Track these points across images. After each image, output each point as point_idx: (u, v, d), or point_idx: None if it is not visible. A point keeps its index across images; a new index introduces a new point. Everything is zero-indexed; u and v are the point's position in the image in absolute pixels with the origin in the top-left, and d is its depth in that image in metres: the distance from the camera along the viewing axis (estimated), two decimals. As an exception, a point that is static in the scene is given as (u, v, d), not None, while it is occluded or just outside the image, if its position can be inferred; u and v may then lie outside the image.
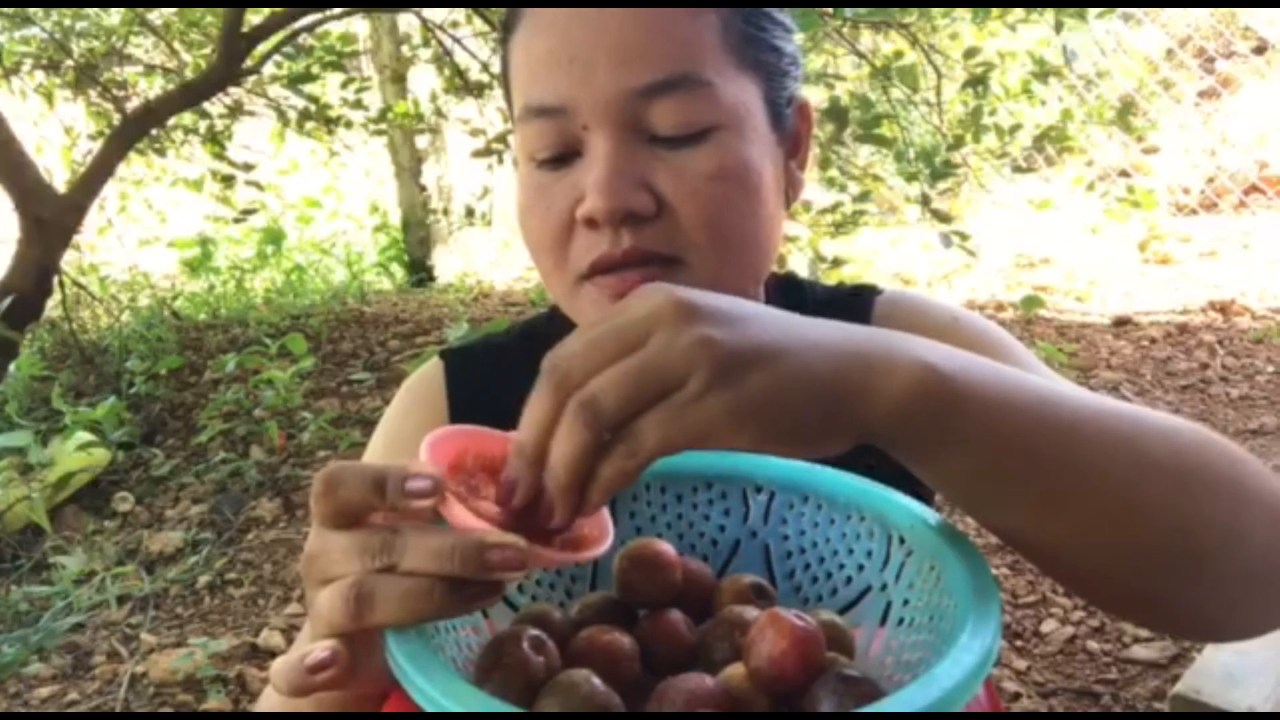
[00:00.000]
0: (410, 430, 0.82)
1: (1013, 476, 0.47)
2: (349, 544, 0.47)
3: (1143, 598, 0.52)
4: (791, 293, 0.84)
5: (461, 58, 3.56)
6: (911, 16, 2.84)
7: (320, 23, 3.26)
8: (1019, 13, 2.95)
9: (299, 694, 0.47)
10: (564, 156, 0.67)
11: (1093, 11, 3.06)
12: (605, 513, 0.53)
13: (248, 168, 3.63)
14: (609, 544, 0.51)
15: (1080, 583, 0.55)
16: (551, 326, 0.85)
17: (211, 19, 3.56)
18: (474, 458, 0.53)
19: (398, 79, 4.53)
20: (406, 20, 4.42)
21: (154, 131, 3.59)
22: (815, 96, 3.44)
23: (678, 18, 0.64)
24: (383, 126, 4.13)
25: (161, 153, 4.13)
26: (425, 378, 0.85)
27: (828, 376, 0.43)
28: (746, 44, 0.68)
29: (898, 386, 0.44)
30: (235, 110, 3.84)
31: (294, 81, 3.47)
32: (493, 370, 0.83)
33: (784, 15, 0.73)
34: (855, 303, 0.81)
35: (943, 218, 2.89)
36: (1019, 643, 2.03)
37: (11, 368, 3.09)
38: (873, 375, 0.44)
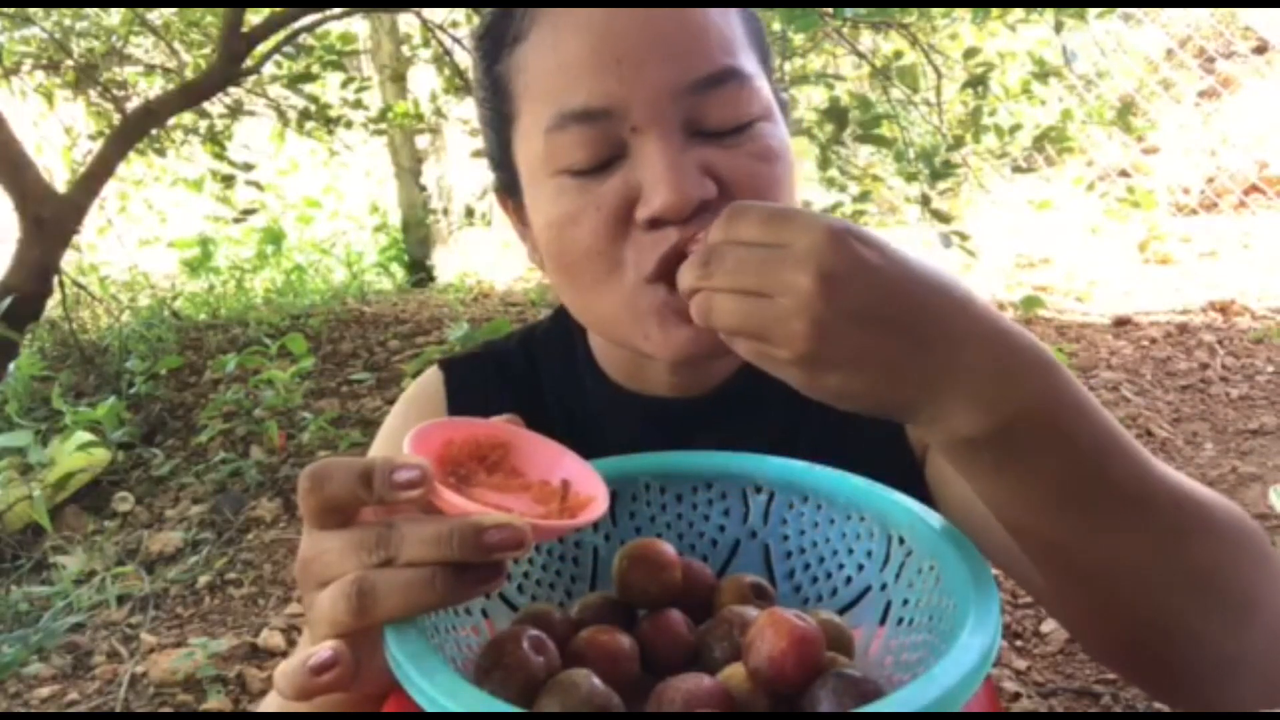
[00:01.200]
0: None
1: (1081, 488, 0.49)
2: (344, 542, 0.46)
3: (1125, 662, 0.55)
4: None
5: (461, 58, 3.56)
6: (911, 16, 2.84)
7: (320, 23, 3.25)
8: (1019, 13, 2.95)
9: (304, 697, 0.47)
10: (604, 164, 0.64)
11: (1093, 11, 3.06)
12: (597, 475, 0.54)
13: (248, 168, 3.63)
14: (605, 505, 0.51)
15: (1071, 619, 0.57)
16: (554, 333, 0.84)
17: (211, 19, 3.56)
18: (461, 446, 0.53)
19: (398, 79, 4.53)
20: (406, 20, 4.42)
21: (154, 131, 3.59)
22: (815, 96, 3.45)
23: (716, 15, 0.64)
24: (383, 126, 4.13)
25: (161, 153, 4.13)
26: (424, 387, 0.84)
27: (978, 358, 0.46)
28: (757, 39, 0.69)
29: (1032, 395, 0.47)
30: (235, 110, 3.84)
31: (294, 81, 3.47)
32: (493, 378, 0.83)
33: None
34: None
35: (943, 218, 2.89)
36: (1019, 643, 2.03)
37: (11, 368, 3.09)
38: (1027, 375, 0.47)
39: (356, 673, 0.47)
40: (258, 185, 3.71)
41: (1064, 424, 0.47)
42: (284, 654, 2.04)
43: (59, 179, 3.59)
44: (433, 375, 0.84)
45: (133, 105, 3.46)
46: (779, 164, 0.66)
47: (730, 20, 0.66)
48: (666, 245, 0.62)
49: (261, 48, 3.07)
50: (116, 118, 3.39)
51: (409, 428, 0.85)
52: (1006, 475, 0.48)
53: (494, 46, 0.69)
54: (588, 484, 0.54)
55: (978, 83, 2.86)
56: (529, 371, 0.83)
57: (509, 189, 0.73)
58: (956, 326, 0.46)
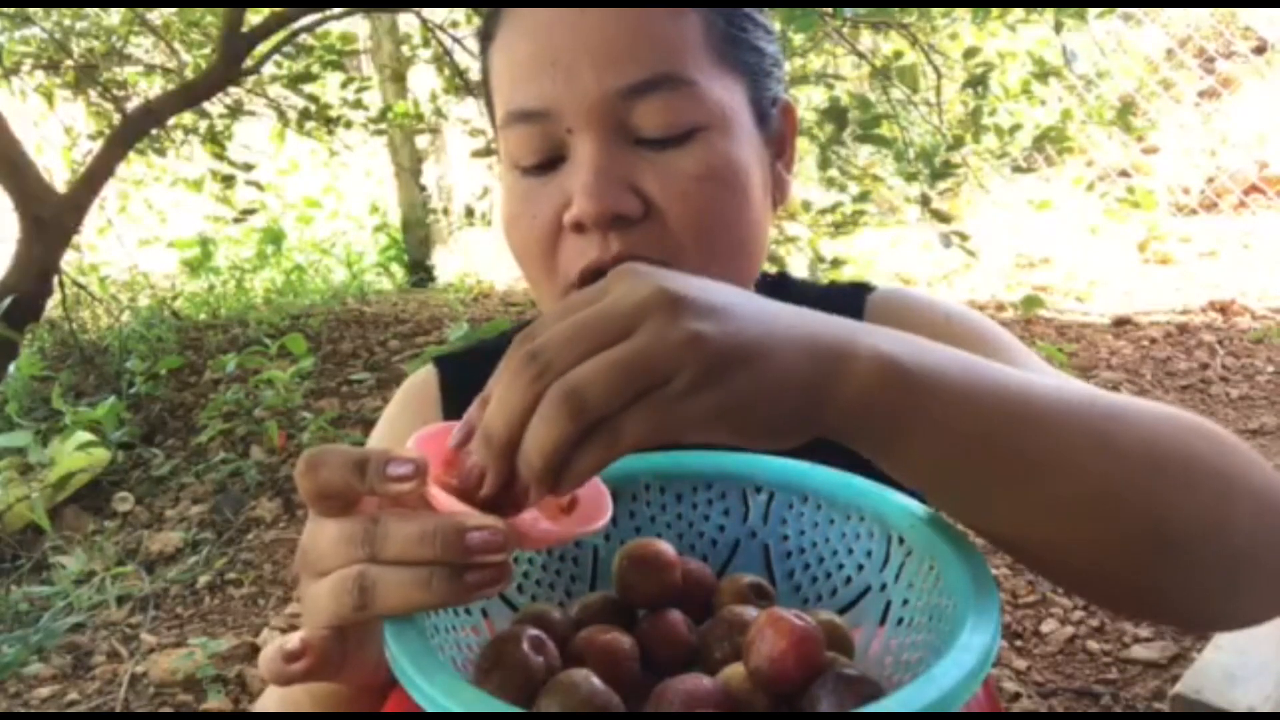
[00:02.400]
0: (403, 433, 0.82)
1: (972, 467, 0.47)
2: (335, 533, 0.47)
3: (1128, 588, 0.52)
4: (781, 292, 0.84)
5: (461, 58, 3.56)
6: (911, 16, 2.84)
7: (320, 23, 3.25)
8: (1019, 13, 2.95)
9: (279, 682, 0.48)
10: (549, 162, 0.66)
11: (1093, 11, 3.06)
12: (602, 487, 0.53)
13: (248, 168, 3.63)
14: (603, 523, 0.50)
15: (1067, 578, 0.55)
16: None
17: (211, 19, 3.56)
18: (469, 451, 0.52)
19: (398, 79, 4.53)
20: (406, 20, 4.42)
21: (154, 131, 3.59)
22: (815, 96, 3.45)
23: (659, 18, 0.64)
24: (383, 126, 4.13)
25: (161, 153, 4.13)
26: (419, 383, 0.85)
27: (805, 375, 0.44)
28: (729, 45, 0.67)
29: (858, 379, 0.44)
30: (235, 110, 3.84)
31: (294, 81, 3.47)
32: (487, 375, 0.82)
33: (764, 17, 0.72)
34: (847, 301, 0.81)
35: (943, 218, 2.89)
36: (1019, 643, 2.03)
37: (11, 368, 3.09)
38: (837, 369, 0.44)
39: (341, 664, 0.48)
40: (258, 185, 3.71)
41: (931, 404, 0.45)
42: (284, 654, 2.04)
43: (59, 179, 3.59)
44: (427, 372, 0.84)
45: (133, 105, 3.46)
46: (717, 183, 0.65)
47: (681, 24, 0.64)
48: (589, 256, 0.64)
49: (261, 48, 3.07)
50: (116, 118, 3.39)
51: (402, 424, 0.85)
52: (887, 459, 0.47)
53: (482, 40, 0.72)
54: (594, 501, 0.53)
55: (978, 83, 2.86)
56: None
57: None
58: (791, 317, 0.45)
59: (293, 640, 0.47)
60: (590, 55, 0.63)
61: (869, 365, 0.45)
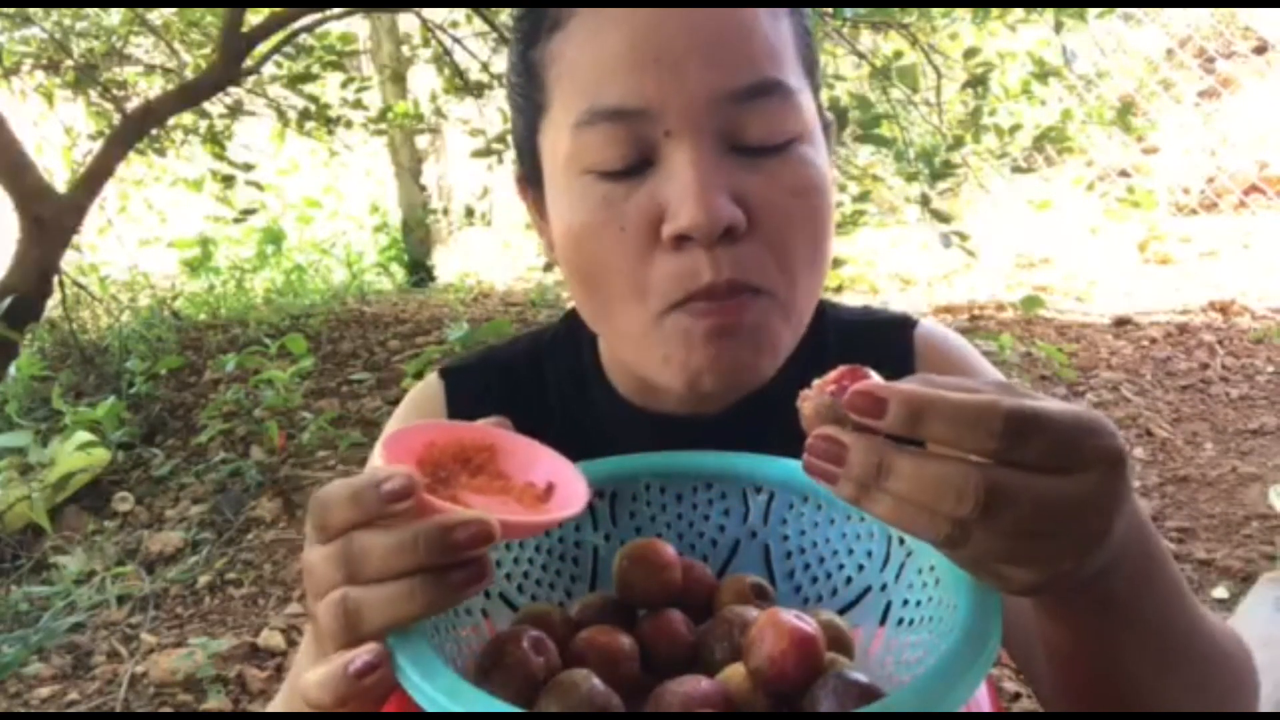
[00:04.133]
0: None
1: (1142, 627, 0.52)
2: (321, 556, 0.47)
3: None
4: (818, 320, 0.75)
5: (461, 58, 3.56)
6: (911, 16, 2.84)
7: (320, 23, 3.25)
8: (1019, 13, 2.95)
9: (346, 702, 0.45)
10: (633, 167, 0.60)
11: (1093, 11, 3.06)
12: (583, 478, 0.54)
13: (248, 168, 3.63)
14: (580, 506, 0.51)
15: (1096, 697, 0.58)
16: (562, 341, 0.80)
17: (211, 19, 3.55)
18: (444, 448, 0.53)
19: (398, 79, 4.53)
20: (406, 20, 4.42)
21: (154, 131, 3.59)
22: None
23: (765, 19, 0.61)
24: (383, 126, 4.13)
25: (161, 153, 4.13)
26: (425, 396, 0.82)
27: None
28: (808, 51, 0.65)
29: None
30: (235, 110, 3.84)
31: (294, 81, 3.47)
32: (495, 387, 0.80)
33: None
34: (895, 335, 0.78)
35: (943, 218, 2.89)
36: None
37: (11, 368, 3.09)
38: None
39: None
40: (258, 185, 3.71)
41: (1150, 573, 0.51)
42: (284, 654, 2.04)
43: (59, 179, 3.59)
44: (433, 383, 0.82)
45: (133, 105, 3.46)
46: (815, 197, 0.62)
47: (780, 29, 0.62)
48: (700, 279, 0.59)
49: (261, 48, 3.07)
50: (116, 118, 3.39)
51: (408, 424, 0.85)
52: (1099, 617, 0.50)
53: (532, 30, 0.65)
54: (570, 485, 0.54)
55: (978, 83, 2.86)
56: (534, 379, 0.81)
57: (531, 178, 0.70)
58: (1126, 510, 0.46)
59: (364, 654, 0.45)
60: (700, 54, 0.58)
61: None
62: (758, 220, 0.60)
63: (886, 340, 0.78)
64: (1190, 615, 0.55)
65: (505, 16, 3.09)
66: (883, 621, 0.54)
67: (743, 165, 0.60)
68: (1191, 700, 0.55)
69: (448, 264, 5.24)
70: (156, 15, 3.67)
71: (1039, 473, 0.40)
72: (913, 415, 0.40)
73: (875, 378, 0.42)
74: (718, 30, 0.59)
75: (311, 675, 0.46)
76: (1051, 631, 0.52)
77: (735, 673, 0.48)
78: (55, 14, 3.53)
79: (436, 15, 3.49)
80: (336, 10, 3.16)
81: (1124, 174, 5.34)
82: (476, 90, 3.57)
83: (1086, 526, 0.42)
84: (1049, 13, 2.79)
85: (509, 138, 3.25)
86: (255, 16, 3.10)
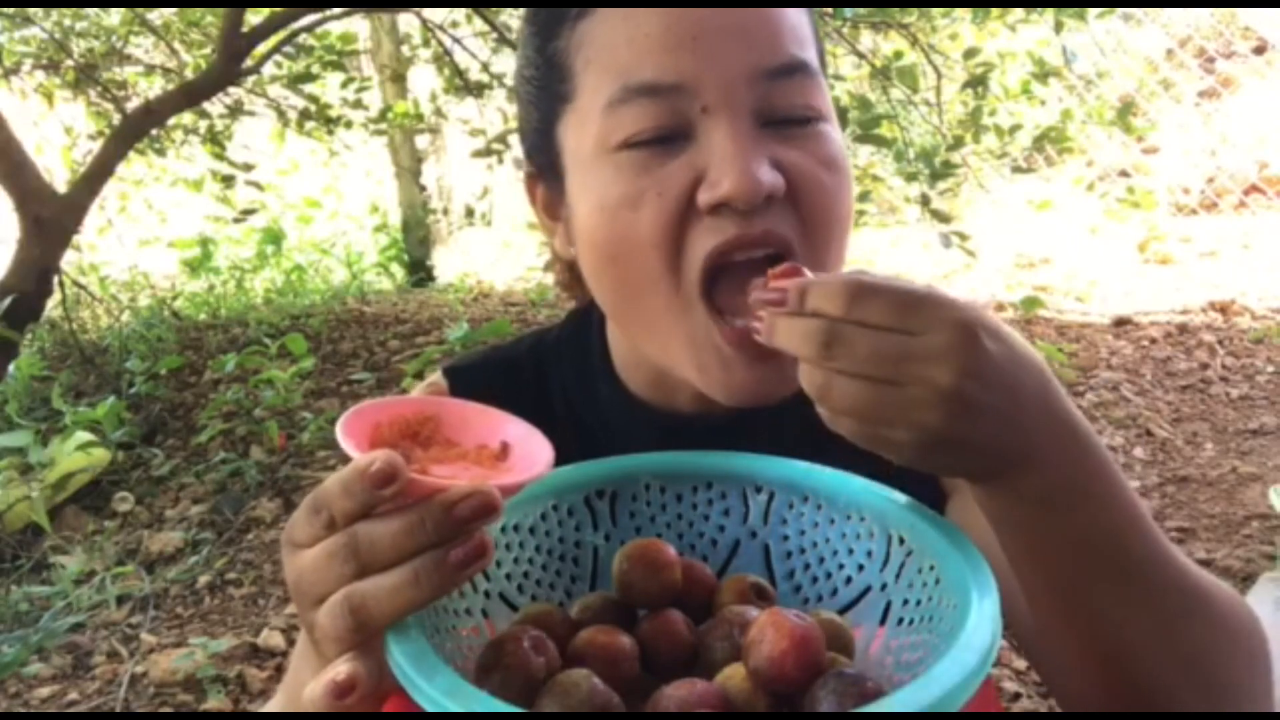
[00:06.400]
0: None
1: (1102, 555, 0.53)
2: (316, 556, 0.47)
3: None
4: None
5: (461, 58, 3.55)
6: (911, 16, 2.84)
7: (320, 23, 3.25)
8: (1019, 13, 2.95)
9: (335, 711, 0.47)
10: (668, 138, 0.62)
11: (1093, 11, 3.06)
12: (537, 432, 0.55)
13: (248, 168, 3.63)
14: (551, 455, 0.52)
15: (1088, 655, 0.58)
16: (568, 339, 0.80)
17: (211, 19, 3.55)
18: (390, 427, 0.53)
19: (398, 79, 4.53)
20: (406, 20, 4.42)
21: (154, 131, 3.59)
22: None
23: (791, 9, 0.65)
24: (383, 126, 4.13)
25: (161, 153, 4.13)
26: (430, 390, 0.82)
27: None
28: (819, 45, 0.69)
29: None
30: (235, 110, 3.84)
31: (294, 81, 3.47)
32: (499, 385, 0.78)
33: None
34: None
35: (943, 218, 2.89)
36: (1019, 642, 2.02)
37: (11, 368, 3.09)
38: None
39: (380, 678, 0.47)
40: (258, 185, 3.71)
41: (1096, 491, 0.52)
42: (284, 654, 2.04)
43: (59, 179, 3.59)
44: (436, 381, 0.82)
45: (133, 105, 3.46)
46: (841, 174, 0.65)
47: (802, 18, 0.66)
48: (721, 238, 0.61)
49: (261, 48, 3.07)
50: (116, 118, 3.39)
51: None
52: (1040, 529, 0.52)
53: (552, 22, 0.67)
54: (527, 441, 0.54)
55: (978, 83, 2.86)
56: (538, 377, 0.81)
57: (543, 174, 0.71)
58: (1041, 405, 0.50)
59: (340, 674, 0.46)
60: (736, 33, 0.61)
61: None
62: (796, 186, 0.62)
63: None
64: (1152, 546, 0.54)
65: (505, 16, 3.09)
66: (883, 621, 0.54)
67: (776, 138, 0.63)
68: (1166, 644, 0.54)
69: (448, 264, 5.24)
70: (156, 15, 3.67)
71: (880, 330, 0.47)
72: (797, 295, 0.49)
73: (809, 275, 0.52)
74: (750, 12, 0.62)
75: (306, 691, 0.47)
76: (1012, 549, 0.55)
77: (735, 672, 0.48)
78: (55, 14, 3.53)
79: (436, 15, 3.49)
80: (336, 10, 3.16)
81: (1124, 174, 5.34)
82: (476, 90, 3.57)
83: (935, 382, 0.46)
84: (1049, 13, 2.79)
85: (509, 138, 3.26)
86: (255, 16, 3.10)
